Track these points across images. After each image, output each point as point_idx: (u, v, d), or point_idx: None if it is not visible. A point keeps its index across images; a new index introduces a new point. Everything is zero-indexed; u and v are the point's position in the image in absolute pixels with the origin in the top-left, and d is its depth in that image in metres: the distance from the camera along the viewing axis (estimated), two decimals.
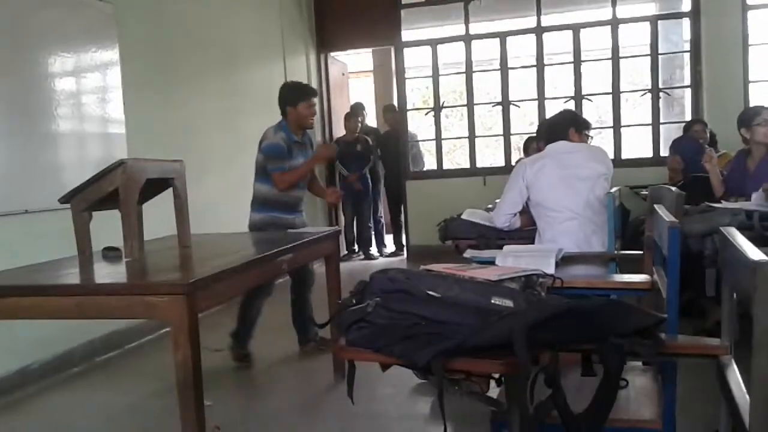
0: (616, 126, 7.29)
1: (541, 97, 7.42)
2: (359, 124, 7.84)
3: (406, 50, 7.86)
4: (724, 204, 3.50)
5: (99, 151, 4.20)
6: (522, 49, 7.92)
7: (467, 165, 7.88)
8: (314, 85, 7.93)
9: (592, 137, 3.44)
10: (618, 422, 1.65)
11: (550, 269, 2.30)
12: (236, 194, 6.00)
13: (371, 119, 9.12)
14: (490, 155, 9.15)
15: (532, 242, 3.19)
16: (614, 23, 7.13)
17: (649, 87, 7.19)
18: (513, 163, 6.76)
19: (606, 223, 3.03)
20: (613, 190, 3.12)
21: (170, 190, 2.96)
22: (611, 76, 7.20)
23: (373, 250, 8.09)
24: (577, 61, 7.28)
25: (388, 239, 8.33)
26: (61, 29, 3.99)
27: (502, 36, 7.50)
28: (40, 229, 3.71)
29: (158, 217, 3.90)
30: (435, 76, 7.82)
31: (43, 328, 3.61)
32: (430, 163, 8.40)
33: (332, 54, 8.29)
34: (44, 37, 3.86)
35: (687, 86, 7.15)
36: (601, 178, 3.10)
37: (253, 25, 6.58)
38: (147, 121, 4.63)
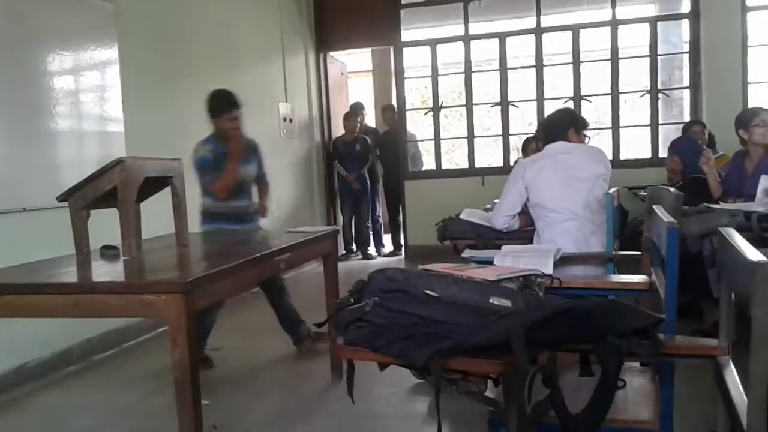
0: (615, 127, 7.29)
1: (540, 98, 7.42)
2: (358, 124, 7.84)
3: (405, 50, 7.86)
4: (722, 205, 3.50)
5: (97, 149, 4.20)
6: (521, 50, 7.92)
7: (466, 165, 7.88)
8: (313, 84, 7.94)
9: (589, 137, 3.44)
10: (615, 422, 1.65)
11: (549, 269, 2.30)
12: None
13: (370, 119, 9.12)
14: (489, 155, 9.15)
15: (531, 242, 3.18)
16: (613, 24, 7.14)
17: (648, 88, 7.19)
18: (511, 164, 6.76)
19: (605, 223, 3.03)
20: (612, 190, 3.11)
21: (168, 188, 2.96)
22: (610, 76, 7.21)
23: (371, 249, 8.09)
24: (576, 62, 7.28)
25: (386, 239, 8.33)
26: (60, 28, 3.99)
27: (502, 36, 7.50)
28: (38, 227, 3.71)
29: (156, 215, 3.90)
30: (434, 76, 7.82)
31: (41, 327, 3.62)
32: (428, 163, 8.40)
33: (331, 53, 8.29)
34: (43, 36, 3.86)
35: (686, 87, 7.16)
36: (600, 178, 3.10)
37: (253, 24, 6.57)
38: (145, 119, 4.62)
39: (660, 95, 7.18)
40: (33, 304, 2.18)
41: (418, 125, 8.72)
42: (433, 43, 7.76)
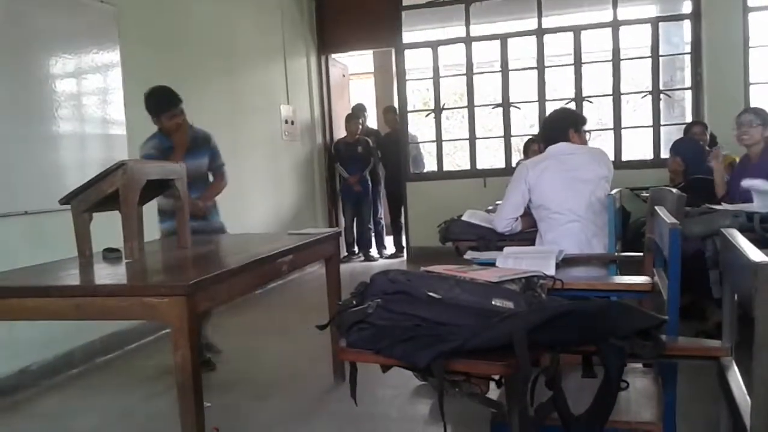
0: (617, 128, 7.29)
1: (541, 99, 7.42)
2: (360, 126, 7.85)
3: (406, 52, 7.86)
4: (724, 206, 3.50)
5: (100, 152, 4.20)
6: (523, 51, 7.91)
7: (467, 166, 7.88)
8: (315, 86, 7.95)
9: (590, 133, 3.44)
10: (618, 424, 1.65)
11: (551, 271, 2.30)
12: (236, 195, 6.02)
13: (372, 121, 9.12)
14: (491, 157, 9.14)
15: (533, 243, 3.18)
16: (615, 25, 7.14)
17: (650, 89, 7.19)
18: (513, 165, 6.76)
19: (606, 225, 3.03)
20: (614, 191, 3.11)
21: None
22: (612, 77, 7.20)
23: (373, 251, 8.09)
24: (578, 63, 7.28)
25: (388, 241, 8.33)
26: (62, 30, 3.99)
27: (503, 38, 7.50)
28: (40, 231, 3.72)
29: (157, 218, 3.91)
30: (435, 77, 7.82)
31: (43, 329, 3.62)
32: (430, 165, 8.40)
33: (333, 56, 8.30)
34: (45, 38, 3.87)
35: (688, 88, 7.15)
36: (602, 180, 3.10)
37: (255, 26, 6.58)
38: (148, 122, 4.61)
39: (662, 96, 7.17)
40: (35, 307, 2.18)
41: (420, 127, 8.72)
42: (434, 45, 7.77)
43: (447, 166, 8.18)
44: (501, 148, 7.78)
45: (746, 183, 3.40)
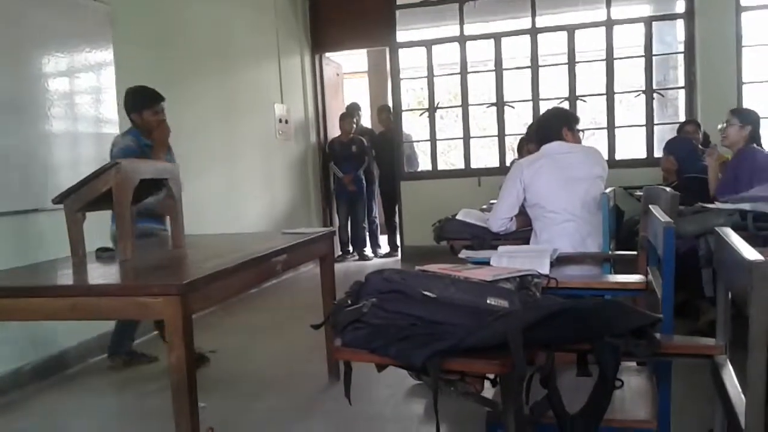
0: (610, 127, 7.31)
1: (535, 98, 7.44)
2: (354, 125, 7.84)
3: (400, 51, 7.86)
4: (717, 204, 3.51)
5: (92, 151, 4.18)
6: (517, 50, 7.92)
7: (462, 166, 7.89)
8: (309, 85, 7.94)
9: (584, 132, 3.44)
10: (613, 422, 1.65)
11: (545, 269, 2.31)
12: (230, 195, 6.02)
13: (366, 120, 9.12)
14: (485, 156, 9.15)
15: (527, 243, 3.18)
16: (609, 24, 7.16)
17: (643, 88, 7.21)
18: (507, 164, 6.77)
19: (601, 225, 3.03)
20: (608, 190, 3.12)
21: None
22: (605, 77, 7.23)
23: (368, 250, 8.09)
24: (572, 62, 7.30)
25: (383, 240, 8.33)
26: (55, 29, 3.97)
27: (497, 37, 7.51)
28: (33, 230, 3.70)
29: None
30: (430, 76, 7.83)
31: (38, 329, 3.61)
32: (424, 164, 8.40)
33: (327, 54, 8.29)
34: (38, 37, 3.85)
35: (681, 87, 7.18)
36: (597, 179, 3.10)
37: (248, 25, 6.57)
38: None
39: (655, 95, 7.20)
40: (29, 307, 2.17)
41: (414, 126, 8.72)
42: (428, 44, 7.77)
43: (441, 166, 8.18)
44: (495, 147, 7.79)
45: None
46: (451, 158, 10.08)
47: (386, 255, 8.12)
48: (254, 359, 4.06)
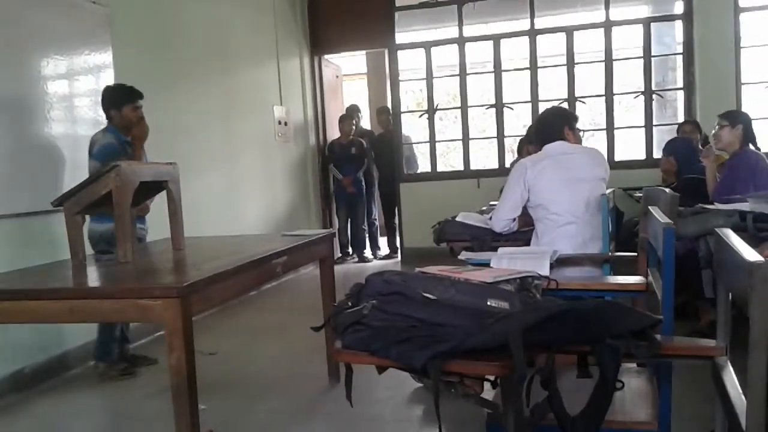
0: (610, 128, 7.31)
1: (534, 100, 7.44)
2: (354, 127, 7.84)
3: (399, 53, 7.86)
4: (717, 206, 3.51)
5: None
6: (515, 52, 7.92)
7: (461, 167, 7.88)
8: (308, 87, 7.94)
9: (584, 132, 3.43)
10: (614, 424, 1.65)
11: (545, 271, 2.30)
12: (230, 196, 6.01)
13: (365, 122, 9.12)
14: (484, 157, 9.15)
15: (528, 244, 3.17)
16: (607, 26, 7.16)
17: (642, 89, 7.21)
18: (507, 165, 6.77)
19: (601, 226, 3.03)
20: (608, 191, 3.11)
21: (164, 192, 2.95)
22: (604, 78, 7.23)
23: (367, 252, 8.09)
24: (571, 64, 7.30)
25: (382, 242, 8.33)
26: (54, 31, 3.97)
27: (496, 38, 7.51)
28: (32, 233, 3.69)
29: (152, 220, 3.90)
30: (429, 78, 7.83)
31: (37, 332, 3.61)
32: (424, 166, 8.40)
33: (326, 56, 8.29)
34: (37, 39, 3.85)
35: (680, 88, 7.18)
36: (600, 181, 3.08)
37: (247, 27, 6.57)
38: None
39: (654, 96, 7.20)
40: (29, 310, 2.18)
41: (413, 128, 8.73)
42: (427, 46, 7.77)
43: (440, 167, 8.18)
44: (494, 149, 7.79)
45: None
46: (450, 160, 10.08)
47: (386, 257, 8.12)
48: (254, 361, 4.05)
